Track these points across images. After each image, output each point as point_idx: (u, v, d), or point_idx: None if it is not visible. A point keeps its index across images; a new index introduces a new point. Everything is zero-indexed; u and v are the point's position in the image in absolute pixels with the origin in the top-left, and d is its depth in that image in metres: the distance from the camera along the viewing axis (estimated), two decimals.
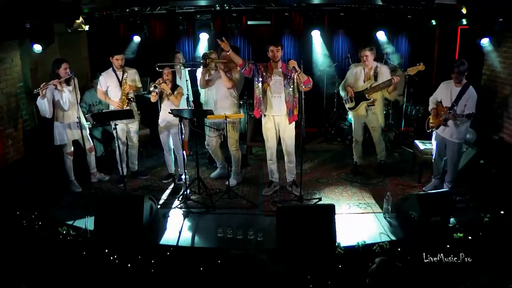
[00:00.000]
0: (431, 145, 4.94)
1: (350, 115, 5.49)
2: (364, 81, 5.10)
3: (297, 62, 4.46)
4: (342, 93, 5.37)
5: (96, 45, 6.78)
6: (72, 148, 5.11)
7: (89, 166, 5.31)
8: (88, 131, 5.32)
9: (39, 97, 4.71)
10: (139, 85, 5.36)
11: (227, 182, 5.01)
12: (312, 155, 6.31)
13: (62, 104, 4.87)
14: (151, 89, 4.91)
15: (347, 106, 5.37)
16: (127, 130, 5.29)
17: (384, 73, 4.97)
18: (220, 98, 4.99)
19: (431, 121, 4.73)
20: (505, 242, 3.62)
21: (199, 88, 5.27)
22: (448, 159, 4.69)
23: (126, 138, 5.34)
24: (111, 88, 5.16)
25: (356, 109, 5.24)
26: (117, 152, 5.24)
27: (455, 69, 4.40)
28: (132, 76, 5.26)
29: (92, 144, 5.34)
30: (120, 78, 5.12)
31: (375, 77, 5.00)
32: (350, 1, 6.43)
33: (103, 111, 5.34)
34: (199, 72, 5.08)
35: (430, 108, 4.74)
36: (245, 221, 4.24)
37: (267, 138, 4.90)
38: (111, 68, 5.17)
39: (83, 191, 5.07)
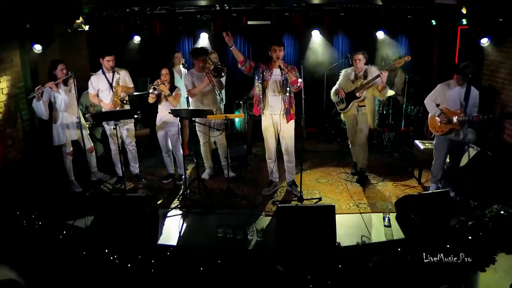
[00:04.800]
0: (432, 146, 4.92)
1: (343, 117, 5.48)
2: (354, 81, 5.10)
3: (298, 63, 4.49)
4: (333, 98, 5.33)
5: (96, 45, 6.78)
6: (71, 148, 5.11)
7: (89, 166, 5.32)
8: (88, 132, 5.31)
9: (34, 100, 4.71)
10: (131, 85, 5.22)
11: (229, 174, 5.08)
12: (312, 155, 6.31)
13: (58, 105, 4.86)
14: (150, 91, 4.87)
15: (338, 108, 5.36)
16: (121, 132, 5.22)
17: (373, 72, 4.94)
18: (210, 99, 5.15)
19: (438, 126, 4.55)
20: (505, 241, 3.62)
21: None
22: (456, 160, 4.68)
23: (121, 139, 5.28)
24: (102, 90, 5.04)
25: (347, 109, 5.20)
26: (112, 153, 5.25)
27: (462, 70, 4.35)
28: (124, 77, 5.11)
29: (92, 144, 5.34)
30: (111, 80, 5.01)
31: (365, 77, 5.01)
32: (350, 1, 6.43)
33: (103, 111, 5.31)
34: (195, 80, 5.05)
35: (435, 113, 4.55)
36: (245, 221, 4.23)
37: (266, 137, 4.91)
38: (100, 70, 5.03)
39: (83, 191, 5.07)
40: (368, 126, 5.17)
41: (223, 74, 4.97)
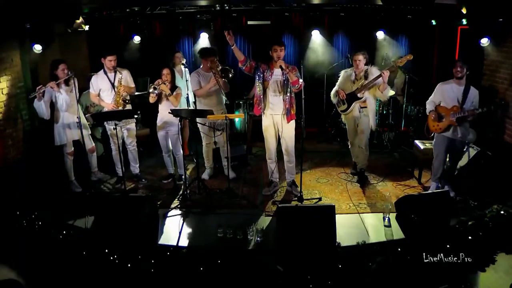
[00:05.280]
0: (432, 146, 4.92)
1: (343, 118, 5.46)
2: (354, 82, 5.08)
3: (298, 63, 4.49)
4: (333, 99, 5.33)
5: (96, 45, 6.78)
6: (72, 148, 5.11)
7: (90, 166, 5.34)
8: (90, 131, 5.30)
9: (35, 100, 4.72)
10: (132, 85, 5.22)
11: (229, 174, 5.11)
12: (312, 155, 6.31)
13: (59, 105, 4.86)
14: (151, 90, 4.87)
15: (339, 109, 5.34)
16: (122, 132, 5.22)
17: (374, 73, 4.92)
18: (215, 99, 5.13)
19: (436, 124, 4.60)
20: (505, 241, 3.62)
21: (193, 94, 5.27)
22: (455, 159, 4.69)
23: (121, 139, 5.28)
24: (104, 90, 5.04)
25: (348, 111, 5.18)
26: (113, 153, 5.25)
27: (458, 63, 4.42)
28: (126, 76, 5.10)
29: (93, 144, 5.33)
30: (112, 79, 5.00)
31: (365, 77, 4.98)
32: (350, 1, 6.43)
33: (103, 111, 5.31)
34: (201, 80, 5.06)
35: (428, 111, 4.69)
36: (245, 221, 4.23)
37: (267, 137, 4.91)
38: (102, 70, 5.04)
39: (83, 191, 5.07)
40: (370, 128, 5.14)
41: (230, 75, 4.95)
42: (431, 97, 4.73)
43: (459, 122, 4.46)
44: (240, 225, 4.07)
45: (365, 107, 5.07)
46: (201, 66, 5.19)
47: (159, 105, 5.10)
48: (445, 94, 4.56)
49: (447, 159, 4.81)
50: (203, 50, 5.27)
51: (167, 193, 5.09)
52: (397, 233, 4.02)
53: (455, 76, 4.47)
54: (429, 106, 4.71)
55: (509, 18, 5.02)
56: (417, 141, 5.41)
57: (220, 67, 4.99)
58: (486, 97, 5.63)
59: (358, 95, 5.02)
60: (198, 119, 5.04)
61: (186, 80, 5.44)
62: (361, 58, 4.97)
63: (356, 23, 7.15)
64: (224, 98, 5.33)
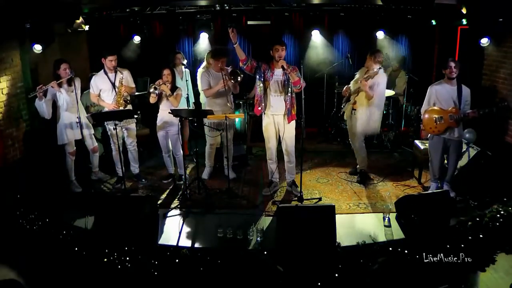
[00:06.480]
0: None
1: (345, 116, 5.47)
2: (357, 82, 5.08)
3: (298, 63, 4.49)
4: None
5: (96, 45, 6.78)
6: (74, 148, 5.11)
7: (91, 166, 5.37)
8: (93, 131, 5.30)
9: (36, 99, 4.73)
10: (132, 85, 5.22)
11: (229, 175, 5.11)
12: (312, 155, 6.31)
13: (60, 105, 4.87)
14: (151, 90, 4.87)
15: (342, 104, 5.40)
16: (123, 132, 5.23)
17: (376, 77, 4.86)
18: (225, 99, 5.08)
19: (435, 126, 4.54)
20: (505, 241, 3.62)
21: (199, 88, 5.28)
22: (454, 159, 4.69)
23: (123, 139, 5.28)
24: (104, 91, 5.04)
25: (344, 109, 5.25)
26: (113, 153, 5.24)
27: (451, 62, 4.39)
28: (126, 77, 5.11)
29: (96, 144, 5.34)
30: (113, 80, 5.00)
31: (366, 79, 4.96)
32: (350, 1, 6.43)
33: (103, 111, 5.30)
34: (211, 80, 5.03)
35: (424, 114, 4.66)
36: (245, 221, 4.23)
37: (267, 137, 4.90)
38: (102, 70, 5.04)
39: (83, 191, 5.07)
40: (362, 132, 5.06)
41: (239, 79, 4.91)
42: (425, 104, 4.67)
43: (458, 123, 4.46)
44: (240, 225, 4.07)
45: (356, 109, 5.04)
46: (202, 64, 5.17)
47: (160, 105, 5.09)
48: (439, 96, 4.53)
49: (445, 160, 4.81)
50: (215, 50, 5.25)
51: (167, 193, 5.09)
52: (397, 233, 4.02)
53: (449, 77, 4.44)
54: (424, 111, 4.70)
55: (509, 18, 5.02)
56: (417, 141, 5.41)
57: (230, 69, 4.97)
58: (486, 97, 5.65)
59: (350, 97, 5.04)
60: (205, 121, 5.05)
61: (186, 81, 5.45)
62: (367, 58, 4.95)
63: (356, 23, 7.15)
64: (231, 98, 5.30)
